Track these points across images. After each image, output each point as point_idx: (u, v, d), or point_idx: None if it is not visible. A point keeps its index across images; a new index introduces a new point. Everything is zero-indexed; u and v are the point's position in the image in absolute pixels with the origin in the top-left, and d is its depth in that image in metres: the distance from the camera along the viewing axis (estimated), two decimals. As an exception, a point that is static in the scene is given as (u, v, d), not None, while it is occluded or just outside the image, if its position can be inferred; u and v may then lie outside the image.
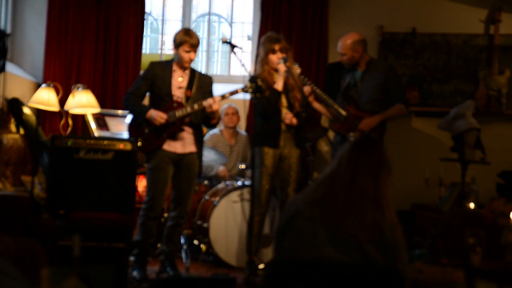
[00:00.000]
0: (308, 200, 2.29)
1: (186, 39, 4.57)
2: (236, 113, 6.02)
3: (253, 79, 4.55)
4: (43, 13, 6.31)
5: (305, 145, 5.08)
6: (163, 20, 7.10)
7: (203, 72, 6.64)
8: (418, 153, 6.29)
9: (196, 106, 4.50)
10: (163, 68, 4.66)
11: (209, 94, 4.72)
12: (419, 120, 6.38)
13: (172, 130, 4.56)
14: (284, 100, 4.75)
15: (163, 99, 4.59)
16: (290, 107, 4.64)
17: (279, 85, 4.65)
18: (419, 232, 5.41)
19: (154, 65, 4.72)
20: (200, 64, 7.07)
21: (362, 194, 2.23)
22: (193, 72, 4.73)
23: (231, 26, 7.13)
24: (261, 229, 4.82)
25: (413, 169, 6.13)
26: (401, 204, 5.80)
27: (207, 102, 4.47)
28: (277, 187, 4.81)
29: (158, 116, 4.49)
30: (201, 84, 4.71)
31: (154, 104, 4.62)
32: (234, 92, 4.51)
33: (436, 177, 5.54)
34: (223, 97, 4.52)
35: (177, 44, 4.60)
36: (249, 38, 6.93)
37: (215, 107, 4.48)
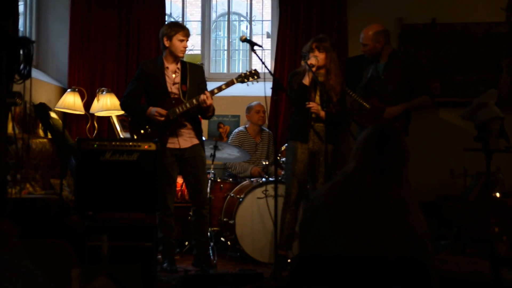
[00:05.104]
0: (331, 197, 2.25)
1: (179, 28, 4.69)
2: (265, 111, 6.06)
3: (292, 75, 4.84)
4: (66, 20, 6.41)
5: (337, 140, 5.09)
6: (183, 21, 7.16)
7: (225, 71, 6.73)
8: (442, 144, 6.25)
9: (195, 101, 4.63)
10: (154, 66, 4.74)
11: (203, 84, 4.83)
12: (442, 111, 6.33)
13: (174, 127, 4.67)
14: (317, 97, 4.79)
15: (160, 98, 4.69)
16: (322, 104, 4.66)
17: (306, 80, 4.71)
18: (445, 223, 5.39)
19: (145, 64, 4.81)
20: (222, 63, 7.11)
21: (388, 209, 2.15)
22: (184, 64, 4.82)
23: (250, 24, 7.16)
24: (294, 228, 4.82)
25: (437, 160, 6.10)
26: (426, 195, 5.79)
27: (201, 98, 4.58)
28: (307, 182, 4.85)
29: (157, 112, 4.59)
30: (194, 76, 4.80)
31: (151, 103, 4.71)
32: (230, 84, 4.67)
33: (460, 168, 5.50)
34: (214, 91, 4.65)
35: (170, 35, 4.68)
36: (268, 36, 6.95)
37: (208, 102, 4.60)
